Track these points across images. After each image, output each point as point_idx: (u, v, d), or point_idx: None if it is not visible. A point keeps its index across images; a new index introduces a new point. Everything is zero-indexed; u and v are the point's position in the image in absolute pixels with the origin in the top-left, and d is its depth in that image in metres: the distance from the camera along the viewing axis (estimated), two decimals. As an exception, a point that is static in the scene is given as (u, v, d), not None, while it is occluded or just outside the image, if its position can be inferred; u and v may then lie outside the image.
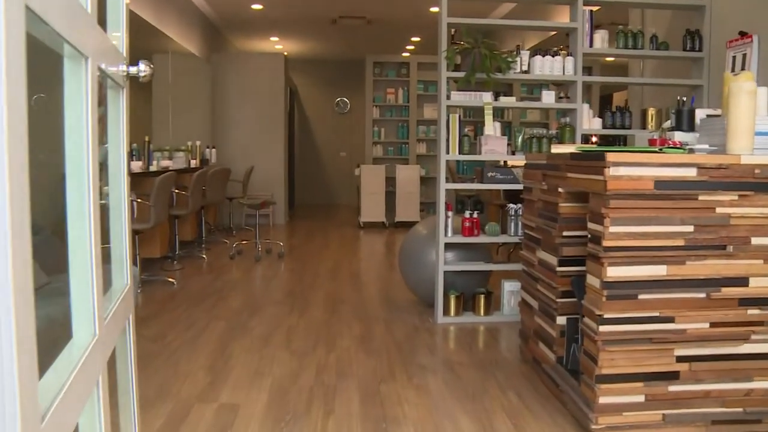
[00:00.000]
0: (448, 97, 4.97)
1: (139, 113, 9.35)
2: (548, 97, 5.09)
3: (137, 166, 7.20)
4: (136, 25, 8.48)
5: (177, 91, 10.07)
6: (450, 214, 5.02)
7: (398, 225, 11.00)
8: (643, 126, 5.23)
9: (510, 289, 5.10)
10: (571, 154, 3.34)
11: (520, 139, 5.08)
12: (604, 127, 5.17)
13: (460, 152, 4.99)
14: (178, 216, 7.75)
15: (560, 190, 3.49)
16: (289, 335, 4.67)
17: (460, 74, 4.92)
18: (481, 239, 5.07)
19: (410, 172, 10.79)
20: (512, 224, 5.08)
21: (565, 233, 3.49)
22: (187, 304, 5.56)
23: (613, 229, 2.88)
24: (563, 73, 5.07)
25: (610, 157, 2.86)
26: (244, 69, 11.29)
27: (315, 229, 10.97)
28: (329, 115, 15.65)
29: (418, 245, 5.35)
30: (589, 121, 5.16)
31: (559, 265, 3.50)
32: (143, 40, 9.24)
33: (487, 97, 4.99)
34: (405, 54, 12.05)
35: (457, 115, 5.01)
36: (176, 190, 7.86)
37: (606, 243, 2.88)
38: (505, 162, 8.65)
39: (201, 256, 7.98)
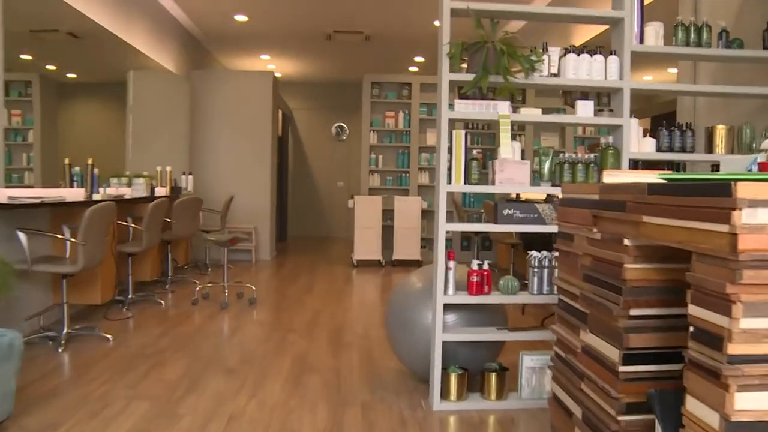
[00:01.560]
0: (451, 107, 3.66)
1: (95, 133, 8.10)
2: (585, 109, 3.76)
3: (76, 194, 5.91)
4: (98, 37, 7.26)
5: (146, 112, 8.82)
6: (452, 264, 3.68)
7: (396, 264, 9.65)
8: (709, 149, 3.90)
9: (532, 364, 3.74)
10: (650, 185, 2.01)
11: (547, 166, 3.75)
12: (659, 149, 3.84)
13: (467, 181, 3.66)
14: (132, 253, 6.44)
15: (627, 242, 2.14)
16: (227, 428, 3.31)
17: (468, 77, 3.61)
18: (493, 299, 3.72)
19: (410, 204, 9.47)
20: (536, 279, 3.73)
21: (634, 312, 2.14)
22: (111, 372, 4.21)
23: (746, 323, 1.54)
24: (605, 77, 3.76)
25: (743, 190, 1.53)
26: (227, 88, 10.04)
27: (302, 267, 9.62)
28: (326, 142, 14.37)
29: (410, 302, 4.00)
30: (639, 142, 3.83)
31: (624, 363, 2.14)
32: (107, 54, 8.01)
33: (503, 107, 3.67)
34: (408, 73, 10.81)
35: (464, 132, 3.69)
36: (133, 224, 6.56)
37: (733, 349, 1.54)
38: (517, 195, 7.35)
39: (158, 301, 6.64)
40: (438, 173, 3.68)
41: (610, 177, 2.54)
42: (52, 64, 7.50)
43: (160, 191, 8.14)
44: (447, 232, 10.34)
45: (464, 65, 3.68)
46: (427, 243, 10.39)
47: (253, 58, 11.93)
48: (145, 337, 5.23)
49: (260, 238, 10.21)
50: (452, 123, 3.84)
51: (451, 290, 3.67)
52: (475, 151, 3.71)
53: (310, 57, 11.74)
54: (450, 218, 10.35)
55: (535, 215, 3.68)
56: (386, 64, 11.66)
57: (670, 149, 3.83)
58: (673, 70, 7.09)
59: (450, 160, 3.65)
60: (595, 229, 2.39)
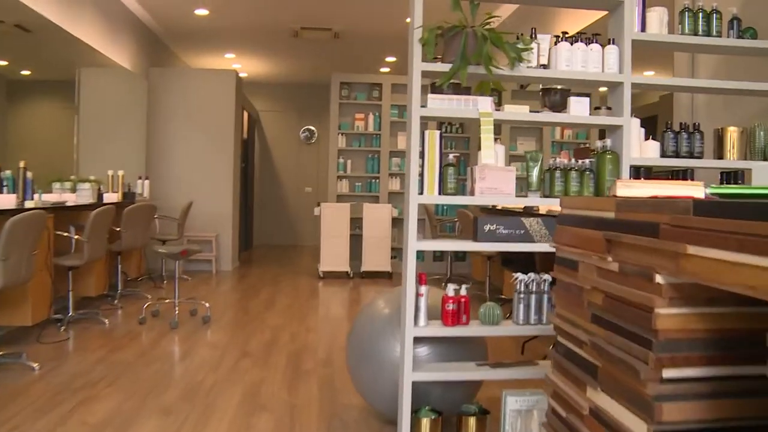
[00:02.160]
0: (423, 105, 3.08)
1: (47, 134, 7.44)
2: (579, 107, 3.20)
3: (7, 201, 5.24)
4: (43, 30, 6.60)
5: (99, 112, 8.16)
6: (424, 290, 3.10)
7: (365, 276, 9.05)
8: (719, 154, 3.36)
9: (517, 406, 3.16)
10: (696, 202, 1.44)
11: (535, 173, 3.19)
12: (664, 154, 3.29)
13: (442, 191, 3.08)
14: (73, 267, 5.79)
15: (660, 279, 1.57)
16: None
17: (444, 68, 3.04)
18: (472, 330, 3.15)
19: (380, 212, 8.88)
20: (522, 306, 3.16)
21: (669, 373, 1.57)
22: (26, 413, 3.57)
23: None
24: (602, 69, 3.20)
25: None
26: (188, 87, 9.39)
27: (266, 279, 8.99)
28: (294, 146, 13.74)
29: (375, 332, 3.41)
30: (640, 146, 3.28)
31: (655, 442, 1.57)
32: (59, 49, 7.35)
33: (484, 104, 3.10)
34: (379, 73, 10.19)
35: (438, 133, 3.11)
36: (75, 235, 5.91)
37: None
38: (494, 206, 6.77)
39: (102, 320, 5.97)
40: (408, 181, 3.10)
41: (626, 188, 1.98)
42: (2, 59, 6.82)
43: (111, 197, 7.48)
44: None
45: (440, 56, 3.11)
46: (398, 253, 9.81)
47: (218, 57, 11.29)
48: (78, 364, 4.59)
49: (222, 247, 9.57)
50: (425, 123, 3.27)
51: (422, 320, 3.09)
52: (451, 156, 3.14)
53: (277, 56, 11.12)
54: (421, 227, 9.79)
55: (522, 231, 3.11)
56: (356, 63, 11.08)
57: (676, 154, 3.29)
58: (650, 73, 6.62)
59: (422, 166, 3.07)
60: (609, 258, 1.82)
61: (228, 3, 8.21)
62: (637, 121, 3.24)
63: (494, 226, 3.08)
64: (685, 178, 3.34)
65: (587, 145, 9.96)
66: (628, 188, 1.98)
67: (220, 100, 9.46)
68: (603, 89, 8.26)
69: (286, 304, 7.06)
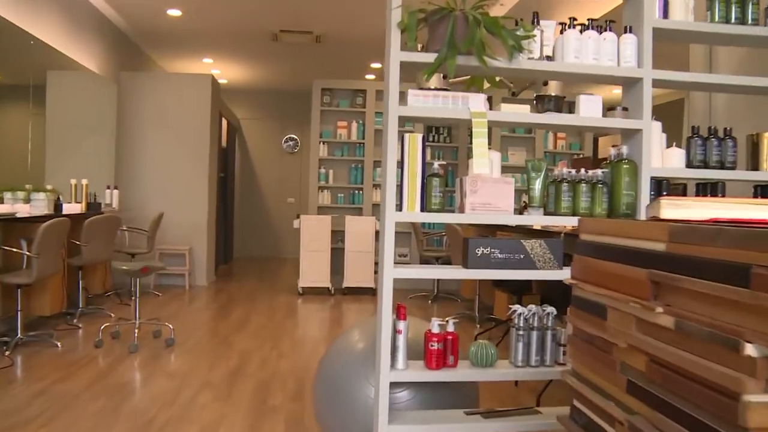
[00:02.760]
0: (403, 101, 2.53)
1: (10, 142, 6.84)
2: (591, 107, 2.65)
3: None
4: (6, 30, 6.02)
5: (64, 117, 7.58)
6: (403, 327, 2.54)
7: (347, 292, 8.47)
8: (754, 164, 2.82)
9: (514, 466, 2.61)
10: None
11: (538, 185, 2.64)
12: (690, 164, 2.75)
13: (425, 206, 2.53)
14: (22, 285, 5.20)
15: (752, 351, 1.02)
16: None
17: (428, 57, 2.49)
18: (461, 374, 2.59)
19: (363, 224, 8.32)
20: (521, 345, 2.61)
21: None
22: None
23: None
24: (618, 63, 2.66)
25: None
26: (160, 92, 8.81)
27: (241, 295, 8.39)
28: (276, 155, 13.16)
29: (346, 371, 2.85)
30: (662, 154, 2.74)
31: None
32: (21, 51, 6.76)
33: (477, 102, 2.55)
34: (363, 80, 9.65)
35: (420, 137, 2.56)
36: (27, 252, 5.32)
37: None
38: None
39: (54, 342, 5.37)
40: (384, 195, 2.54)
41: (674, 208, 1.43)
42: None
43: (73, 208, 6.87)
44: (402, 255, 9.23)
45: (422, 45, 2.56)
46: (383, 267, 9.24)
47: (195, 62, 10.71)
48: (14, 398, 3.99)
49: (196, 260, 8.97)
50: (407, 134, 2.70)
51: (401, 362, 2.53)
52: (436, 164, 2.58)
53: (257, 60, 10.56)
54: (404, 241, 9.23)
55: (521, 256, 2.56)
56: (340, 70, 10.53)
57: (705, 164, 2.75)
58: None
59: (401, 177, 2.52)
60: (659, 308, 1.26)
61: (202, 4, 7.66)
62: (658, 125, 2.71)
63: (488, 249, 2.52)
64: (715, 194, 2.79)
65: (581, 155, 9.45)
66: (677, 208, 1.44)
67: (195, 105, 8.89)
68: (616, 91, 7.72)
69: (259, 325, 6.47)
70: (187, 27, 8.65)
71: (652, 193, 2.68)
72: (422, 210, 2.52)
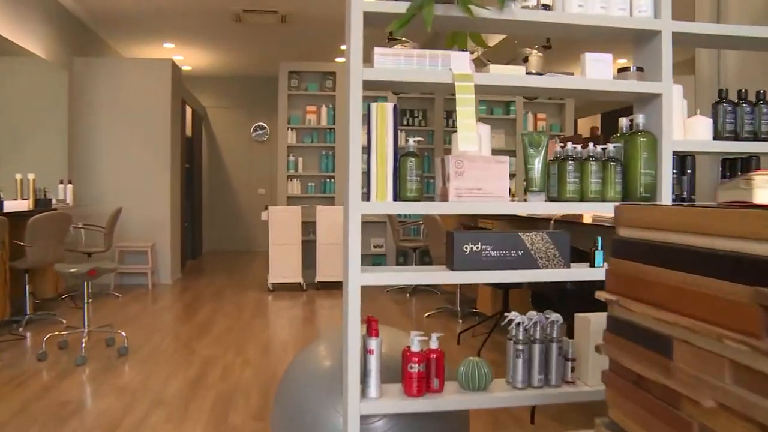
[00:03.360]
0: (368, 63, 2.00)
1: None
2: (599, 68, 2.14)
3: None
4: None
5: (6, 107, 6.97)
6: (375, 345, 2.02)
7: (320, 287, 7.94)
8: (791, 136, 2.33)
9: None
10: None
11: (538, 164, 2.12)
12: (718, 135, 2.25)
13: (398, 194, 2.01)
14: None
15: None
16: None
17: (399, 7, 1.96)
18: (448, 402, 2.08)
19: (336, 215, 7.79)
20: (520, 363, 2.11)
21: None
22: None
23: None
24: (630, 13, 2.16)
25: None
26: (117, 79, 8.19)
27: (208, 293, 7.83)
28: (245, 144, 12.54)
29: (309, 395, 2.33)
30: (684, 124, 2.24)
31: None
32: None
33: (460, 62, 2.02)
34: (333, 62, 9.06)
35: (391, 107, 2.03)
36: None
37: None
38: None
39: (-8, 356, 4.80)
40: (347, 182, 2.02)
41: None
42: None
43: (19, 205, 6.27)
44: (378, 247, 8.70)
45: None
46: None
47: (156, 47, 10.08)
48: (-69, 427, 3.43)
49: (160, 257, 8.39)
50: (374, 102, 2.17)
51: (373, 389, 2.02)
52: (411, 141, 2.06)
53: (220, 44, 9.95)
54: (380, 230, 8.70)
55: (520, 253, 2.05)
56: (308, 52, 9.95)
57: (735, 135, 2.25)
58: (622, 61, 5.36)
59: (368, 158, 2.00)
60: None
61: (156, -20, 7.06)
62: (679, 89, 2.21)
63: (479, 246, 2.01)
64: (748, 168, 2.30)
65: (563, 137, 8.97)
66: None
67: (155, 93, 8.28)
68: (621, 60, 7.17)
69: (224, 327, 5.93)
70: (142, 8, 8.03)
71: (675, 171, 2.19)
72: (396, 199, 2.00)
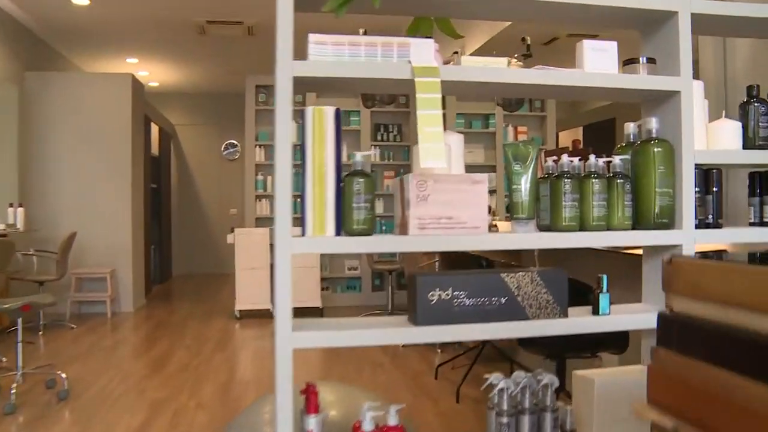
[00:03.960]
0: (301, 56, 1.52)
1: None
2: (601, 59, 1.67)
3: None
4: None
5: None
6: (314, 425, 1.52)
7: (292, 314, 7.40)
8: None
9: None
10: None
11: (524, 184, 1.63)
12: (749, 143, 1.78)
13: (343, 225, 1.52)
14: None
15: None
16: None
17: (337, -19, 1.48)
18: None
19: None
20: (508, 442, 1.61)
21: None
22: None
23: None
24: (640, -10, 1.68)
25: None
26: (73, 95, 7.65)
27: (171, 323, 7.27)
28: (216, 162, 12.00)
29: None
30: (707, 130, 1.77)
31: None
32: None
33: (423, 52, 1.54)
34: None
35: (332, 111, 1.54)
36: None
37: None
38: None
39: None
40: (275, 209, 1.53)
41: None
42: None
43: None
44: (352, 269, 8.15)
45: None
46: (330, 284, 8.21)
47: (118, 62, 9.54)
48: None
49: (121, 283, 7.82)
50: (309, 107, 1.69)
51: (314, 485, 1.51)
52: (360, 156, 1.57)
53: (185, 58, 9.45)
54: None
55: (503, 299, 1.56)
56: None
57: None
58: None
59: (302, 180, 1.51)
60: None
61: (111, -10, 6.56)
62: (700, 86, 1.74)
63: (449, 292, 1.52)
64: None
65: (544, 149, 8.50)
66: None
67: (114, 109, 7.75)
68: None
69: (182, 363, 5.38)
70: (99, 19, 7.51)
71: (697, 189, 1.71)
72: (339, 232, 1.51)
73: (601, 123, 10.21)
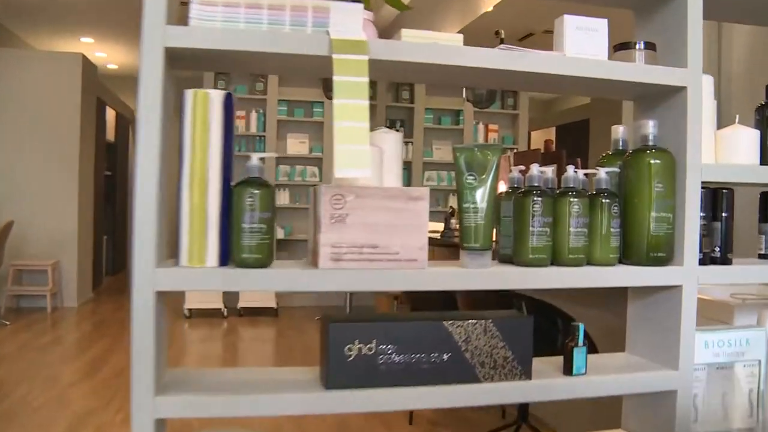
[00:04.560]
0: (182, 21, 1.09)
1: None
2: (585, 41, 1.27)
3: None
4: None
5: None
6: None
7: (244, 313, 6.95)
8: None
9: None
10: None
11: (481, 201, 1.22)
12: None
13: (229, 254, 1.09)
14: None
15: None
16: None
17: None
18: None
19: (263, 233, 6.82)
20: None
21: None
22: None
23: None
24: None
25: None
26: (12, 75, 7.11)
27: (114, 320, 6.78)
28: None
29: None
30: (715, 139, 1.37)
31: None
32: None
33: (346, 18, 1.13)
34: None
35: (219, 96, 1.12)
36: None
37: None
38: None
39: None
40: (134, 229, 1.11)
41: None
42: None
43: None
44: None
45: None
46: (290, 282, 7.77)
47: (72, 41, 8.98)
48: None
49: (65, 276, 7.31)
50: (190, 90, 1.28)
51: None
52: (256, 159, 1.16)
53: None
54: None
55: (446, 356, 1.15)
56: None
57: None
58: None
59: (178, 188, 1.09)
60: None
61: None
62: (709, 81, 1.35)
63: (372, 346, 1.11)
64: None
65: (515, 150, 8.12)
66: None
67: (62, 91, 7.21)
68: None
69: (117, 368, 4.92)
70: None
71: (703, 215, 1.32)
72: (224, 261, 1.10)
73: (575, 124, 9.87)
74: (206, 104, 1.10)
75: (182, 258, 1.11)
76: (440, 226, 5.08)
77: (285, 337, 6.09)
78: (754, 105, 1.46)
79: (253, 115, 7.65)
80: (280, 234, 7.21)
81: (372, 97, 7.74)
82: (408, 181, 7.72)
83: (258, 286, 1.09)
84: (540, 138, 11.50)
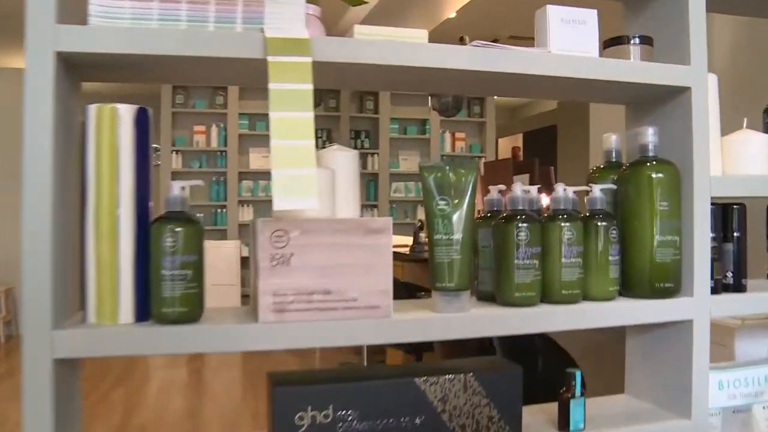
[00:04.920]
0: (78, 18, 0.88)
1: None
2: (571, 36, 1.07)
3: None
4: None
5: None
6: None
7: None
8: None
9: None
10: None
11: (457, 230, 1.02)
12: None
13: (146, 308, 0.88)
14: None
15: None
16: None
17: None
18: None
19: (226, 251, 6.57)
20: None
21: None
22: None
23: None
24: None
25: None
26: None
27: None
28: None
29: None
30: (722, 146, 1.19)
31: None
32: None
33: (285, 14, 0.92)
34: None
35: (130, 112, 0.90)
36: None
37: None
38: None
39: None
40: (22, 278, 0.88)
41: None
42: None
43: None
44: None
45: None
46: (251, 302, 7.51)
47: (14, 52, 8.64)
48: None
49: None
50: (93, 105, 1.09)
51: None
52: (175, 187, 0.94)
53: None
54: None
55: (418, 420, 0.94)
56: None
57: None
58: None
59: (81, 228, 0.87)
60: None
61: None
62: (714, 80, 1.17)
63: (328, 412, 0.90)
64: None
65: (483, 158, 7.96)
66: None
67: (8, 106, 6.89)
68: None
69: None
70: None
71: (713, 236, 1.14)
72: (141, 316, 0.88)
73: (541, 130, 9.75)
74: (114, 122, 0.88)
75: (89, 313, 0.89)
76: (409, 240, 4.88)
77: (251, 362, 5.83)
78: (742, 104, 1.29)
79: (214, 130, 7.40)
80: (244, 251, 6.94)
81: (335, 108, 7.53)
82: (375, 194, 7.51)
83: (183, 348, 0.87)
84: (507, 145, 11.36)
